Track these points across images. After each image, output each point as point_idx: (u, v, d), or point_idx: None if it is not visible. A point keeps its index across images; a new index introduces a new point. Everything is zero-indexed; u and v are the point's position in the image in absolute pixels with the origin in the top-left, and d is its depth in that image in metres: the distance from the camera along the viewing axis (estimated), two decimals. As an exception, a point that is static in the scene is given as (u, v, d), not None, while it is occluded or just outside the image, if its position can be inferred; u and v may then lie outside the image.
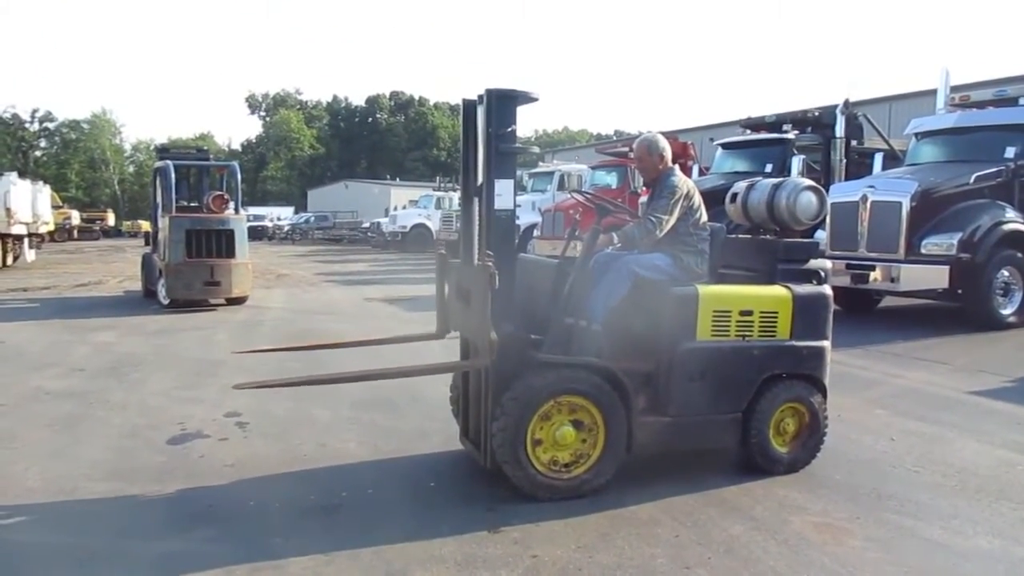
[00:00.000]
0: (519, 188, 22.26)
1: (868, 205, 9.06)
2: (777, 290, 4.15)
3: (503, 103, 3.83)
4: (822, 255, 4.59)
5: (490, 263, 3.62)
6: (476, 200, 4.06)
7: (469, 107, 4.06)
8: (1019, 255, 8.84)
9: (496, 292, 3.69)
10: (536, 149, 8.01)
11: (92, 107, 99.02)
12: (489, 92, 3.83)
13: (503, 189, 3.83)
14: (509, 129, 3.82)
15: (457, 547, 3.26)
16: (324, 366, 6.00)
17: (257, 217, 44.04)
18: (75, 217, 40.41)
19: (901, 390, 6.14)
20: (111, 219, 49.88)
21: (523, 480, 3.71)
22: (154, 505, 3.75)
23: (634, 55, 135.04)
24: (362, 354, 6.10)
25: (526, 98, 3.91)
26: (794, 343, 4.14)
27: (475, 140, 4.02)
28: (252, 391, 5.71)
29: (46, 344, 8.26)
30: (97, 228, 45.23)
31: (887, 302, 10.97)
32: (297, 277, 17.41)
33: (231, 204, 11.69)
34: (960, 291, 8.69)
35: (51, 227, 26.07)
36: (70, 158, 68.46)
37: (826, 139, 12.13)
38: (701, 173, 14.58)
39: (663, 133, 4.64)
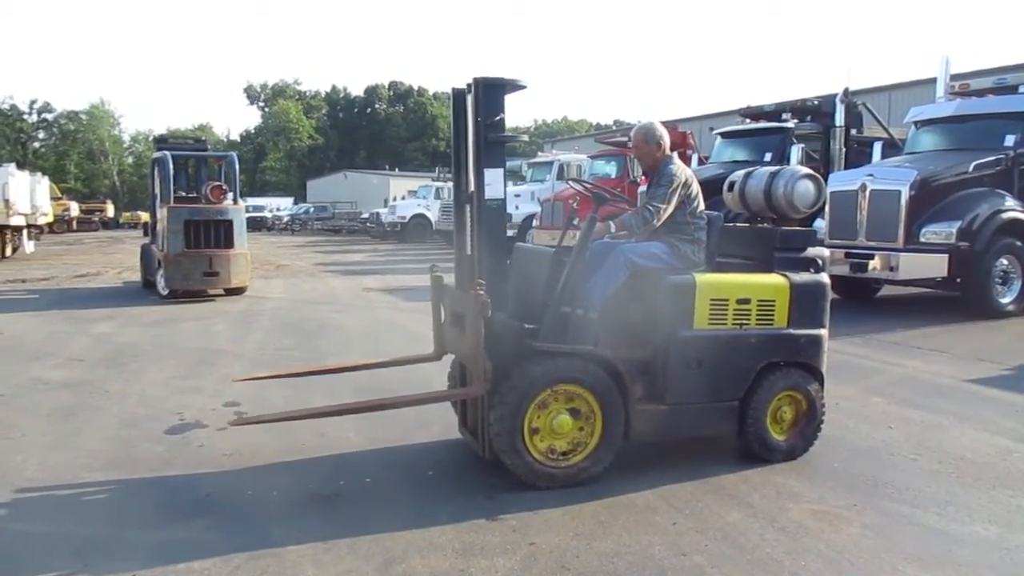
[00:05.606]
0: (519, 178, 22.38)
1: (867, 194, 9.06)
2: (775, 278, 4.15)
3: (490, 92, 3.82)
4: (820, 243, 4.58)
5: (482, 291, 3.60)
6: (468, 207, 4.03)
7: (459, 96, 4.03)
8: (1018, 243, 8.84)
9: (490, 282, 3.68)
10: (525, 137, 8.01)
11: (91, 98, 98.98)
12: (476, 81, 3.81)
13: (493, 178, 3.82)
14: (497, 118, 3.81)
15: (455, 535, 3.27)
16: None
17: (256, 208, 43.98)
18: (74, 208, 40.21)
19: (899, 378, 6.15)
20: (110, 210, 49.64)
21: (521, 468, 3.72)
22: (153, 494, 3.76)
23: (634, 45, 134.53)
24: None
25: (513, 86, 3.89)
26: (791, 331, 4.14)
27: (466, 130, 4.00)
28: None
29: (45, 334, 8.27)
30: (96, 219, 45.09)
31: (886, 291, 10.98)
32: (296, 267, 17.40)
33: (229, 194, 11.68)
34: (959, 280, 8.69)
35: (50, 218, 26.03)
36: (69, 149, 68.10)
37: (826, 128, 12.11)
38: (701, 162, 14.54)
39: (663, 122, 4.60)
